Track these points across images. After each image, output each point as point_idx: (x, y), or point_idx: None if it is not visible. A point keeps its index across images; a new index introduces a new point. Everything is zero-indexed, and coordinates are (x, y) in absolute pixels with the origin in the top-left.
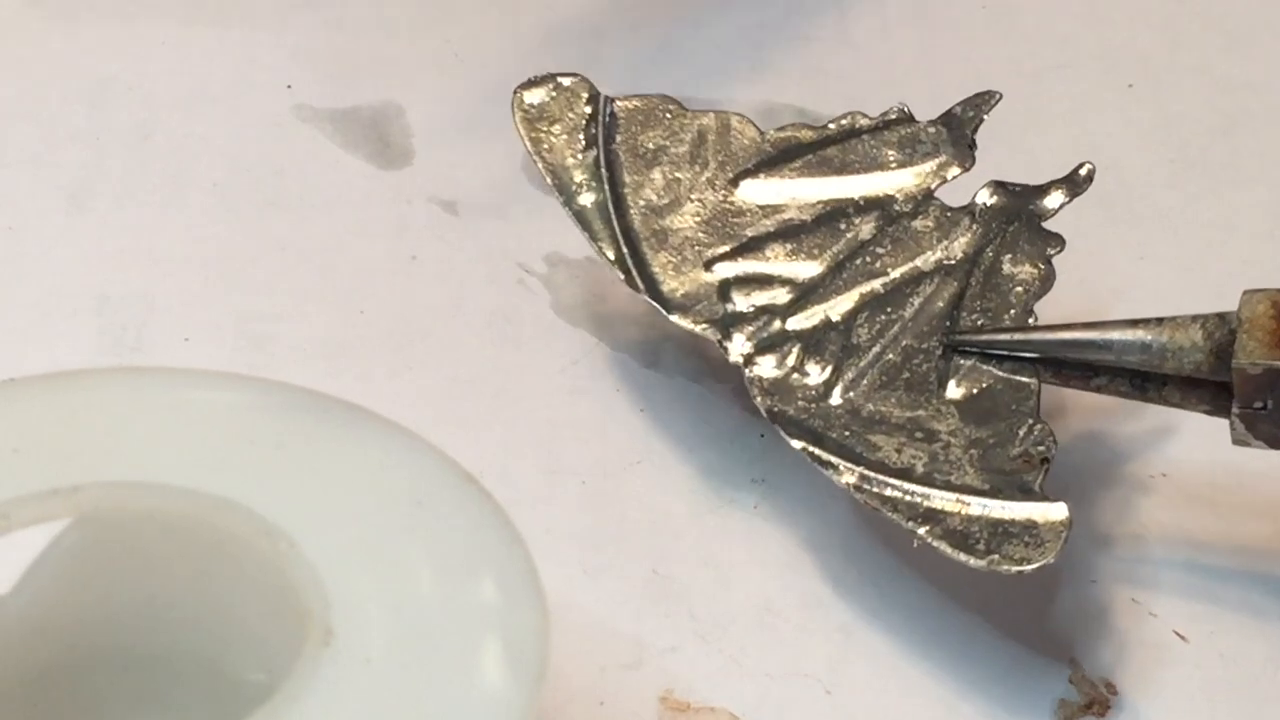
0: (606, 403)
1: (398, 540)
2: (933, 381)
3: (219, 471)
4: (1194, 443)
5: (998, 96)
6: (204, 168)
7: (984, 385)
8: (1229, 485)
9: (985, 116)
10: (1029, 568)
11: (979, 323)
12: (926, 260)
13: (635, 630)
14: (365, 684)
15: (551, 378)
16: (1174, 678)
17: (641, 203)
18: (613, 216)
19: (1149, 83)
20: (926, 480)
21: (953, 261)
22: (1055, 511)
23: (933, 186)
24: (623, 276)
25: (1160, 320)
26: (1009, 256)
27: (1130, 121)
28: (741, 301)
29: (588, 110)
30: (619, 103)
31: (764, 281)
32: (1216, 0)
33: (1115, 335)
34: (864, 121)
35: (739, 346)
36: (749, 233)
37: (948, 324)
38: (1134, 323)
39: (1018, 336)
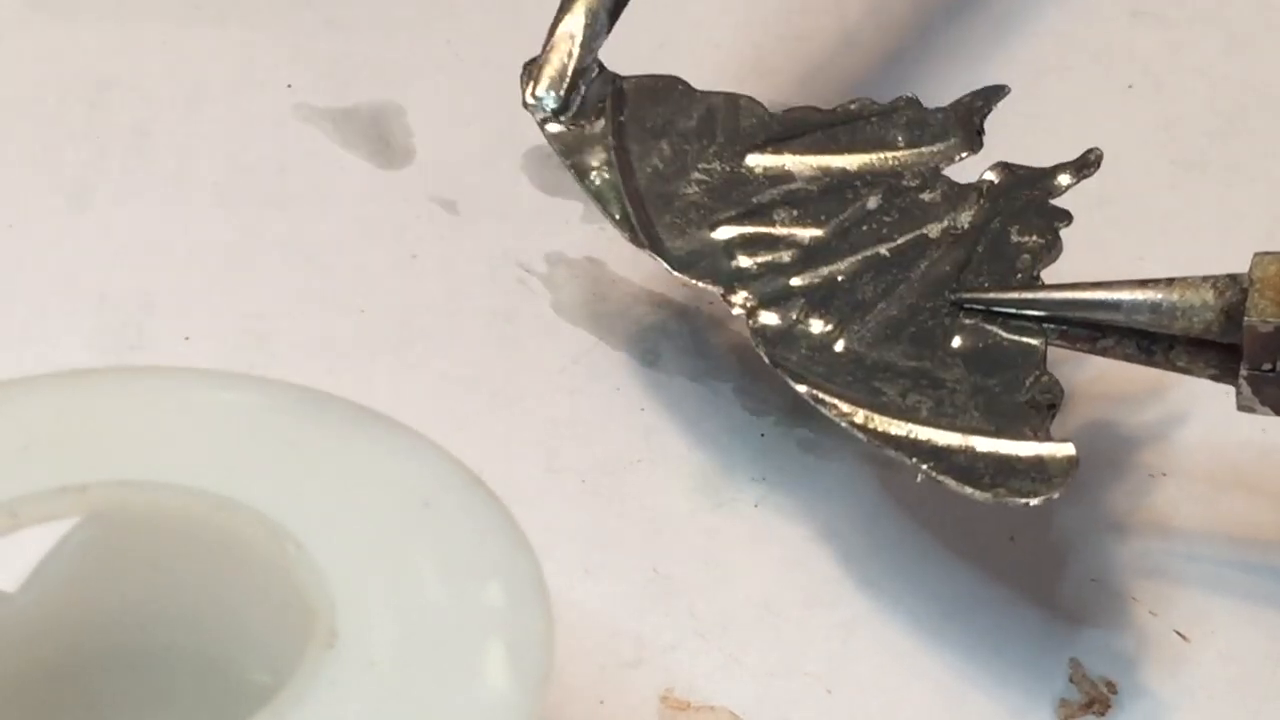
0: (606, 402)
1: (404, 542)
2: (938, 336)
3: (227, 472)
4: (1195, 442)
5: (1006, 90)
6: (204, 168)
7: (989, 342)
8: (1229, 485)
9: (994, 107)
10: (1035, 500)
11: (985, 284)
12: (933, 229)
13: (635, 629)
14: (369, 686)
15: (551, 377)
16: (1174, 677)
17: (648, 169)
18: (618, 179)
19: (1149, 83)
20: (931, 422)
21: (959, 230)
22: (1062, 449)
23: (940, 166)
24: (626, 234)
25: (1170, 280)
26: (1016, 226)
27: (1130, 121)
28: (746, 260)
29: (595, 83)
30: (627, 79)
31: (769, 243)
32: (1216, 0)
33: (1124, 295)
34: (872, 107)
35: (742, 299)
36: (755, 200)
37: (954, 285)
38: (1143, 282)
39: (1025, 295)
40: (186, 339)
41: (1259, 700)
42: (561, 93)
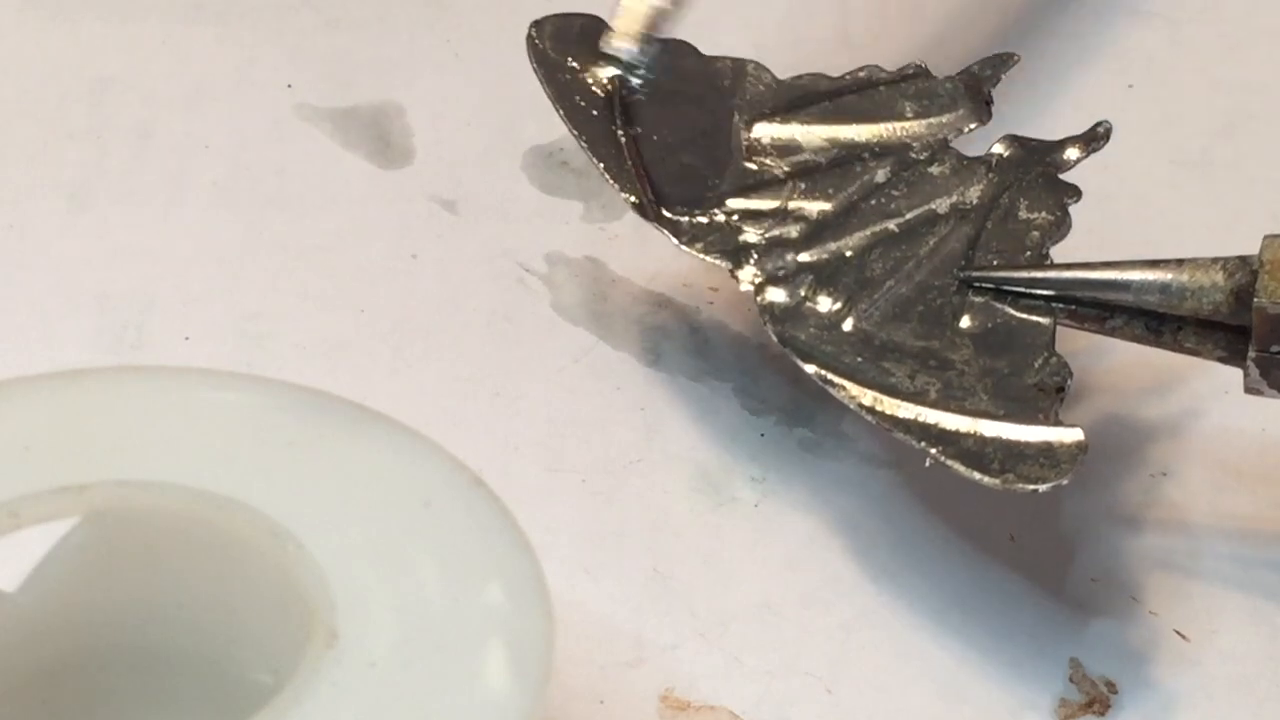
0: (606, 402)
1: (404, 542)
2: (947, 315)
3: (228, 471)
4: (1196, 442)
5: (1016, 58)
6: (204, 168)
7: (998, 321)
8: (1230, 485)
9: (1003, 76)
10: (1044, 487)
11: (994, 262)
12: (941, 204)
13: (635, 628)
14: (369, 686)
15: (551, 377)
16: (1174, 677)
17: (655, 138)
18: (625, 150)
19: (1149, 83)
20: (940, 405)
21: (968, 206)
22: (1071, 435)
23: (949, 138)
24: (634, 201)
25: (1180, 261)
26: (1025, 202)
27: (1130, 121)
28: (754, 235)
29: (602, 50)
30: None
31: (777, 216)
32: (1216, 0)
33: (1134, 275)
34: (881, 75)
35: (750, 275)
36: (762, 172)
37: (963, 263)
38: (1154, 263)
39: (1035, 274)
40: (186, 339)
41: (1259, 700)
42: (642, 46)
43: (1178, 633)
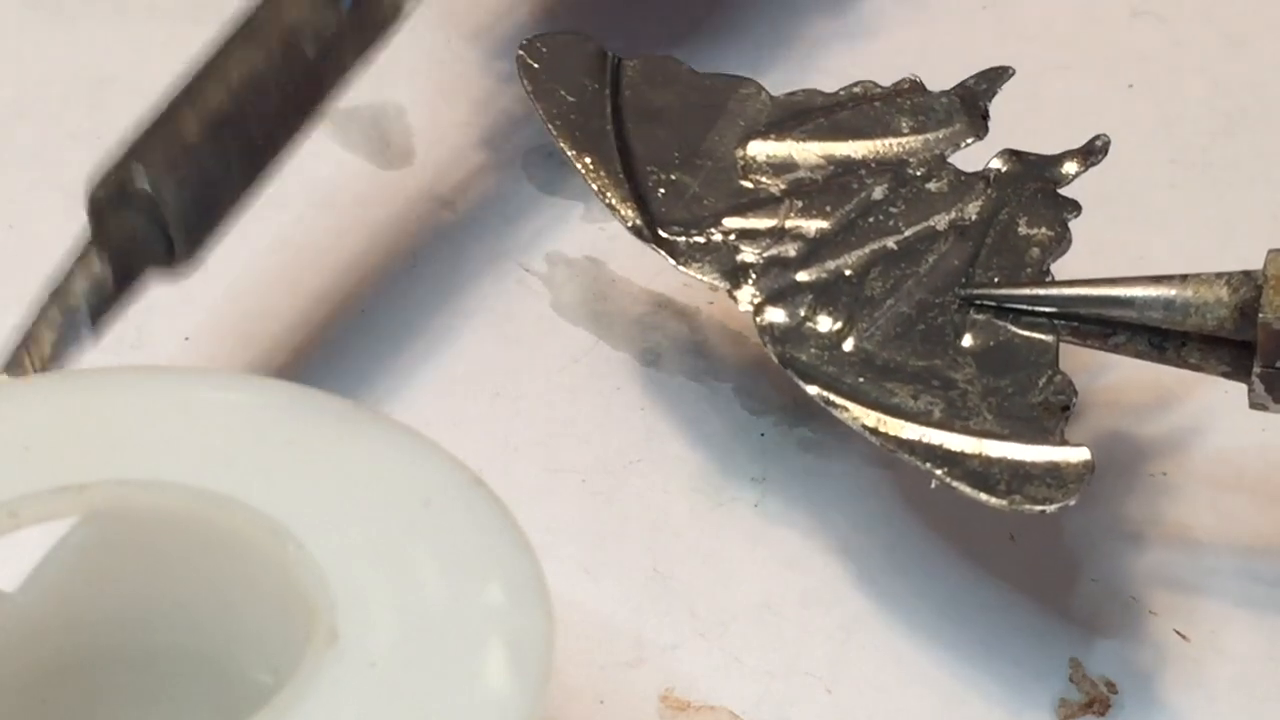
0: (606, 402)
1: (404, 542)
2: (949, 334)
3: (227, 471)
4: (1196, 443)
5: (1010, 71)
6: None
7: (1001, 339)
8: (1231, 485)
9: (999, 89)
10: (1051, 507)
11: (995, 280)
12: (940, 220)
13: (635, 628)
14: (369, 686)
15: (551, 377)
16: (1174, 677)
17: (649, 157)
18: (619, 169)
19: (1149, 83)
20: (944, 425)
21: (967, 222)
22: (1077, 454)
23: (946, 153)
24: (629, 224)
25: (1184, 277)
26: (1024, 218)
27: (1130, 121)
28: (751, 254)
29: (594, 67)
30: (627, 62)
31: (775, 235)
32: (1216, 0)
33: (1138, 291)
34: (876, 90)
35: (748, 296)
36: (759, 190)
37: (963, 280)
38: (1157, 279)
39: (1037, 291)
40: (186, 339)
41: (1259, 700)
42: None
43: (1178, 633)
